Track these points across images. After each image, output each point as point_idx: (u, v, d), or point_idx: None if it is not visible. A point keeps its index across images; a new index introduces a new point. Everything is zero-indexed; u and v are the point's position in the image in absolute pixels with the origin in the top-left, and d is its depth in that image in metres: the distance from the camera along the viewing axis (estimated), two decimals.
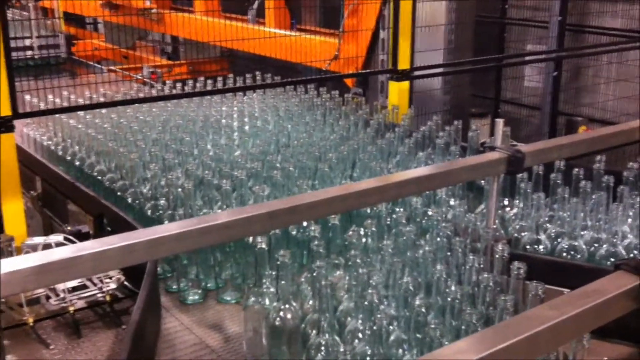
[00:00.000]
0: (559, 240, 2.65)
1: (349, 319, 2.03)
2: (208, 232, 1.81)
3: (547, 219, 2.78)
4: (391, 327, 1.96)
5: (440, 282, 2.07)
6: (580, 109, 7.35)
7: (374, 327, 1.88)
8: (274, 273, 2.14)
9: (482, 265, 2.17)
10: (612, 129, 2.84)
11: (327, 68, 5.83)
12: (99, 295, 2.54)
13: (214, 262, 2.70)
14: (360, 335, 1.94)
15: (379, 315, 1.86)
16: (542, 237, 2.68)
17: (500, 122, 2.52)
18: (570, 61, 7.34)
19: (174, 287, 2.70)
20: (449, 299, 2.00)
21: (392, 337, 1.94)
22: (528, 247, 2.67)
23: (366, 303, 1.93)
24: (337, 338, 1.95)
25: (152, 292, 2.32)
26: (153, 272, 2.38)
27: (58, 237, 2.66)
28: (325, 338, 1.93)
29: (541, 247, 2.66)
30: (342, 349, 1.93)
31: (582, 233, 2.64)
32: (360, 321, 1.96)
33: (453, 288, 2.03)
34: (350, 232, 2.26)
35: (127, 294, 2.61)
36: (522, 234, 2.72)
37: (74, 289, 2.52)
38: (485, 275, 2.06)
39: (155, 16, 7.64)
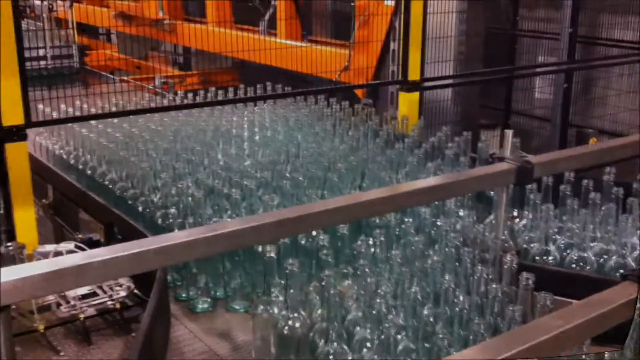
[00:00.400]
0: (568, 251, 2.64)
1: (357, 328, 2.04)
2: (217, 240, 1.83)
3: (556, 230, 2.77)
4: (399, 337, 1.96)
5: (448, 292, 2.07)
6: (590, 121, 7.33)
7: (382, 337, 1.88)
8: (282, 282, 2.15)
9: (490, 276, 2.17)
10: (621, 141, 2.85)
11: (337, 79, 5.85)
12: (109, 303, 2.55)
13: (223, 270, 2.71)
14: (368, 344, 1.95)
15: (387, 325, 1.87)
16: (551, 248, 2.68)
17: (509, 133, 2.53)
18: (581, 73, 7.32)
19: (184, 295, 2.71)
20: (457, 309, 2.01)
21: (400, 347, 1.95)
22: (537, 258, 2.67)
23: (374, 312, 1.94)
24: (345, 347, 1.95)
25: (161, 300, 2.33)
26: (163, 280, 2.40)
27: (69, 245, 2.68)
28: (334, 347, 1.94)
29: (550, 258, 2.65)
30: (350, 358, 1.94)
31: (591, 244, 2.64)
32: (368, 330, 1.97)
33: (461, 298, 2.03)
34: (359, 242, 2.26)
35: (137, 302, 2.62)
36: (531, 244, 2.72)
37: (85, 296, 2.54)
38: (494, 286, 2.06)
39: (168, 27, 7.70)
